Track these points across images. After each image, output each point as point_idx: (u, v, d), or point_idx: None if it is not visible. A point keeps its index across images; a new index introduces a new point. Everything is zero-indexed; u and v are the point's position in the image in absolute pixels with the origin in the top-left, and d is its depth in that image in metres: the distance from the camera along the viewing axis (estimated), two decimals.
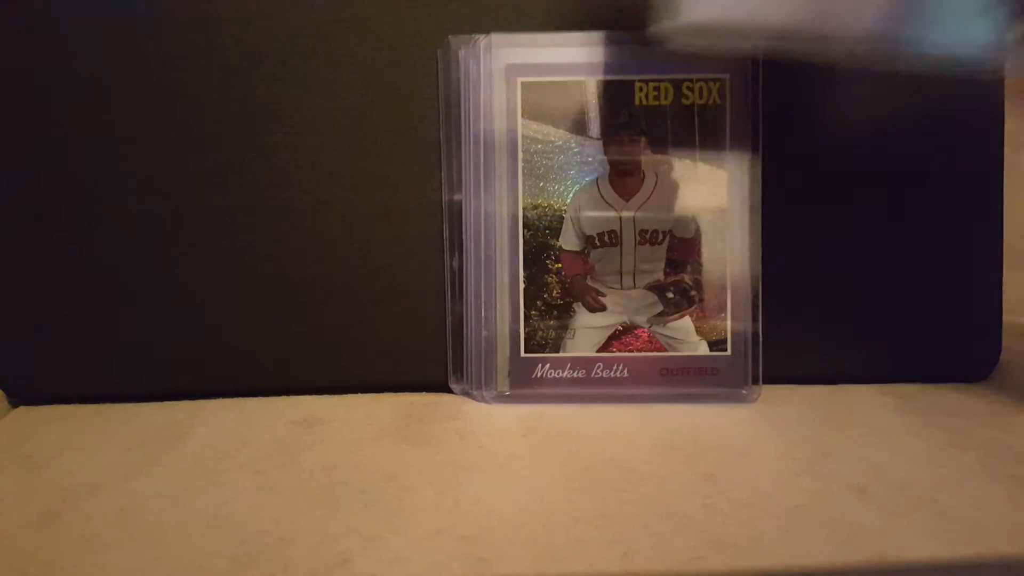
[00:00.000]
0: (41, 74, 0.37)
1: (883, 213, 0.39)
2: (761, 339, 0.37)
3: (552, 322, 0.37)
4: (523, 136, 0.37)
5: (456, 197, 0.38)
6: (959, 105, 0.39)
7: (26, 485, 0.30)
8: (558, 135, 0.37)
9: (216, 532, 0.25)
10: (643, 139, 0.37)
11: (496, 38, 0.37)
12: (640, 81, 0.37)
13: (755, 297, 0.37)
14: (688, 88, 0.37)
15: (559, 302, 0.37)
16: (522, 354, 0.37)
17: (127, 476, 0.30)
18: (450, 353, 0.38)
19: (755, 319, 0.37)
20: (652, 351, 0.37)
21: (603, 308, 0.37)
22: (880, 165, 0.39)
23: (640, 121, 0.37)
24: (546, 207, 0.37)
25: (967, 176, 0.39)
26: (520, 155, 0.37)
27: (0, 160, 0.37)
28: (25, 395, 0.39)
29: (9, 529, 0.26)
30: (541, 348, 0.37)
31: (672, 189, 0.37)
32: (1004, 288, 0.39)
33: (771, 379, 0.37)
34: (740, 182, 0.37)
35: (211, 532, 0.25)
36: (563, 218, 0.37)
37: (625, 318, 0.37)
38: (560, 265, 0.37)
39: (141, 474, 0.30)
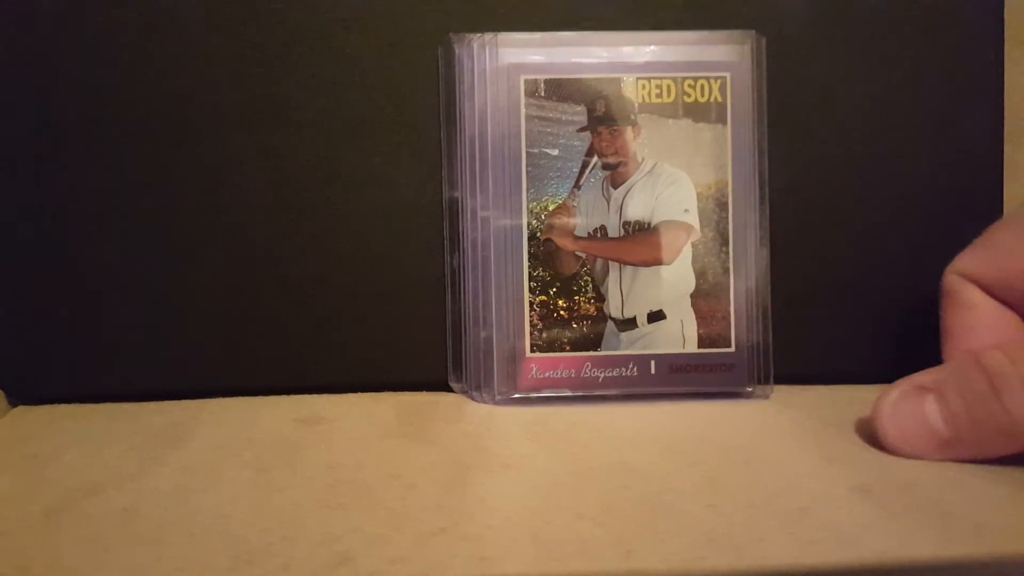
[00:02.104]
0: (39, 73, 0.37)
1: (883, 211, 0.39)
2: (771, 337, 0.37)
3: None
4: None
5: (455, 195, 0.38)
6: (958, 103, 0.39)
7: (28, 484, 0.29)
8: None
9: (219, 531, 0.25)
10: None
11: (497, 36, 0.37)
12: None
13: (763, 295, 0.37)
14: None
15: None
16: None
17: (130, 475, 0.30)
18: (450, 352, 0.38)
19: (763, 317, 0.37)
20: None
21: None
22: (880, 164, 0.39)
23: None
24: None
25: (967, 174, 0.39)
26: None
27: None
28: (25, 395, 0.39)
29: (11, 528, 0.26)
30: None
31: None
32: None
33: (772, 378, 0.37)
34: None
35: (214, 531, 0.25)
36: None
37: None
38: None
39: (144, 473, 0.30)
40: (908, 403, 0.30)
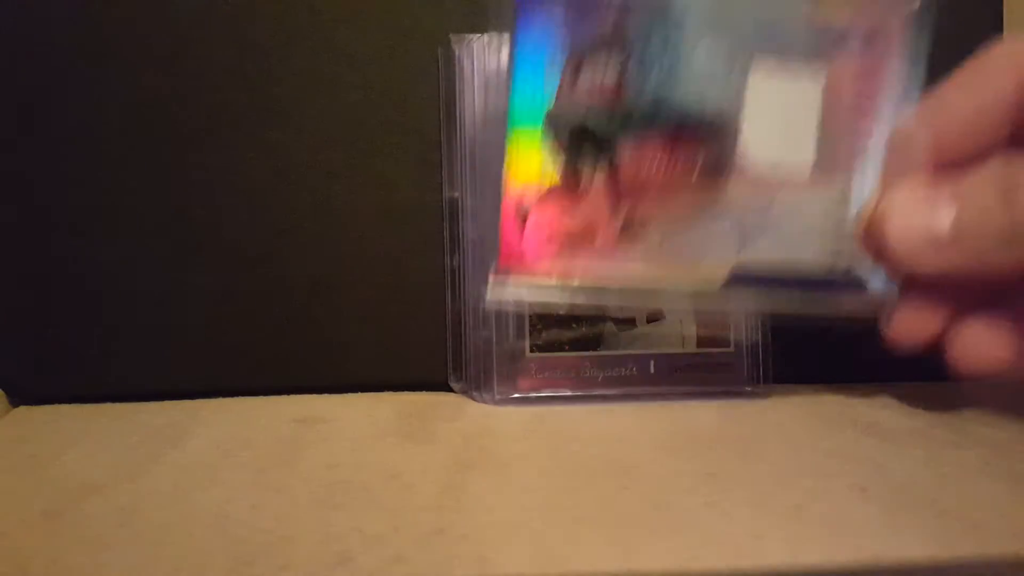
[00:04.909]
0: (39, 74, 0.37)
1: None
2: (769, 336, 0.37)
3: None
4: None
5: (455, 195, 0.38)
6: None
7: (27, 484, 0.30)
8: None
9: (217, 531, 0.25)
10: None
11: (498, 38, 0.37)
12: None
13: None
14: None
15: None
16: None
17: (129, 475, 0.30)
18: (450, 352, 0.38)
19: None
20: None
21: None
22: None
23: None
24: None
25: None
26: None
27: None
28: (25, 395, 0.39)
29: (10, 528, 0.26)
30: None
31: None
32: None
33: (771, 378, 0.37)
34: None
35: (212, 531, 0.25)
36: None
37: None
38: None
39: (143, 473, 0.30)
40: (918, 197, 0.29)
